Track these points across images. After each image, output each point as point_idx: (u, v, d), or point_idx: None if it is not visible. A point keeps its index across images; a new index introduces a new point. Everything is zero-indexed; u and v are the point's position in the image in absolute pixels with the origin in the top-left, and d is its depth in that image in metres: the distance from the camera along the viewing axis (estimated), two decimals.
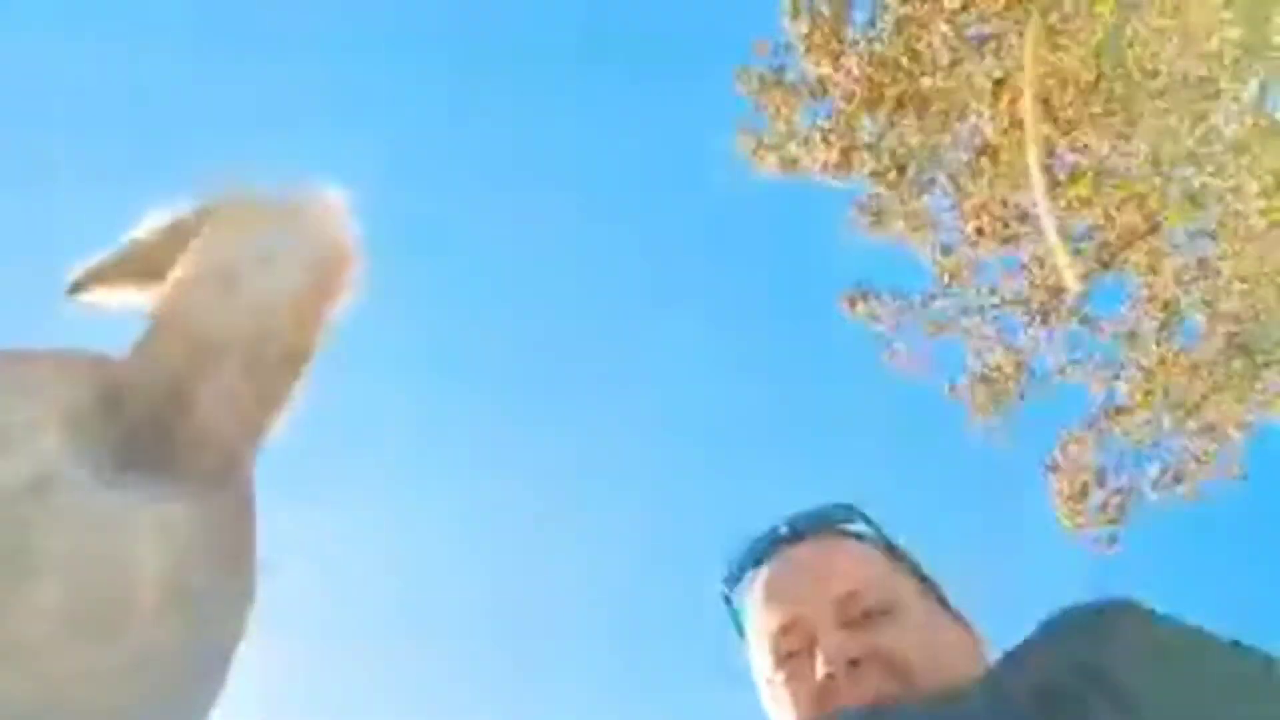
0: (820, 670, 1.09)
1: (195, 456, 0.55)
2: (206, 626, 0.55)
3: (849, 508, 1.26)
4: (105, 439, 0.54)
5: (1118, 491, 9.29)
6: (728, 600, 1.26)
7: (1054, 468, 9.31)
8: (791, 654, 1.14)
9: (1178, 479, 9.42)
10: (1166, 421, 9.38)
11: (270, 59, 10.52)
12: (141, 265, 0.65)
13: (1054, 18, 7.77)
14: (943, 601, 1.20)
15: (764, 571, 1.22)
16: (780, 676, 1.14)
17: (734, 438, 12.25)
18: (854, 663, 1.09)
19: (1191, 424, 9.35)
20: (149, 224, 0.66)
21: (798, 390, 11.81)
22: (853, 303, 9.41)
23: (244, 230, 0.61)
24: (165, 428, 0.55)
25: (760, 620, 1.18)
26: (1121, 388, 9.40)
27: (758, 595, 1.20)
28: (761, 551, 1.23)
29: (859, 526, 1.25)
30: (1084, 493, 9.01)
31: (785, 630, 1.15)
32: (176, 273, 0.61)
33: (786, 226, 11.19)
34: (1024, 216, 8.80)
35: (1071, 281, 8.31)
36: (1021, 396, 9.44)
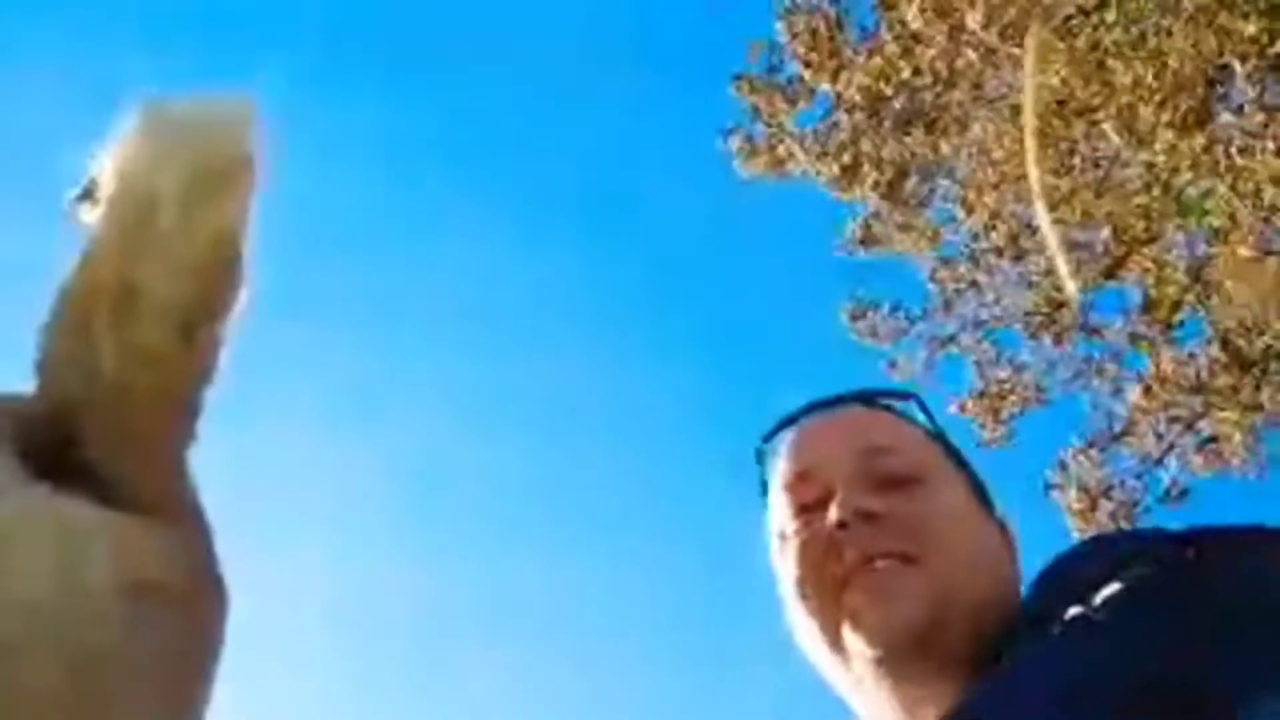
0: (832, 516, 0.98)
1: (103, 477, 0.48)
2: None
3: (907, 391, 1.19)
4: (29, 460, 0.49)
5: (1123, 504, 9.23)
6: (760, 459, 1.17)
7: (1054, 487, 9.25)
8: (805, 506, 1.04)
9: (1181, 493, 9.41)
10: (1168, 435, 9.34)
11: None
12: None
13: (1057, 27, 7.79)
14: (989, 509, 1.10)
15: (796, 427, 1.14)
16: (791, 528, 1.05)
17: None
18: (869, 517, 0.98)
19: (1192, 438, 9.32)
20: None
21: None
22: (854, 318, 9.32)
23: (130, 189, 0.50)
24: (58, 455, 0.48)
25: (781, 471, 1.10)
26: (1121, 404, 9.38)
27: (783, 447, 1.12)
28: (801, 411, 1.15)
29: (910, 408, 1.16)
30: (1093, 508, 8.94)
31: (802, 478, 1.06)
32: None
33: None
34: (1030, 228, 8.77)
35: (1072, 291, 8.28)
36: (1023, 412, 9.37)
